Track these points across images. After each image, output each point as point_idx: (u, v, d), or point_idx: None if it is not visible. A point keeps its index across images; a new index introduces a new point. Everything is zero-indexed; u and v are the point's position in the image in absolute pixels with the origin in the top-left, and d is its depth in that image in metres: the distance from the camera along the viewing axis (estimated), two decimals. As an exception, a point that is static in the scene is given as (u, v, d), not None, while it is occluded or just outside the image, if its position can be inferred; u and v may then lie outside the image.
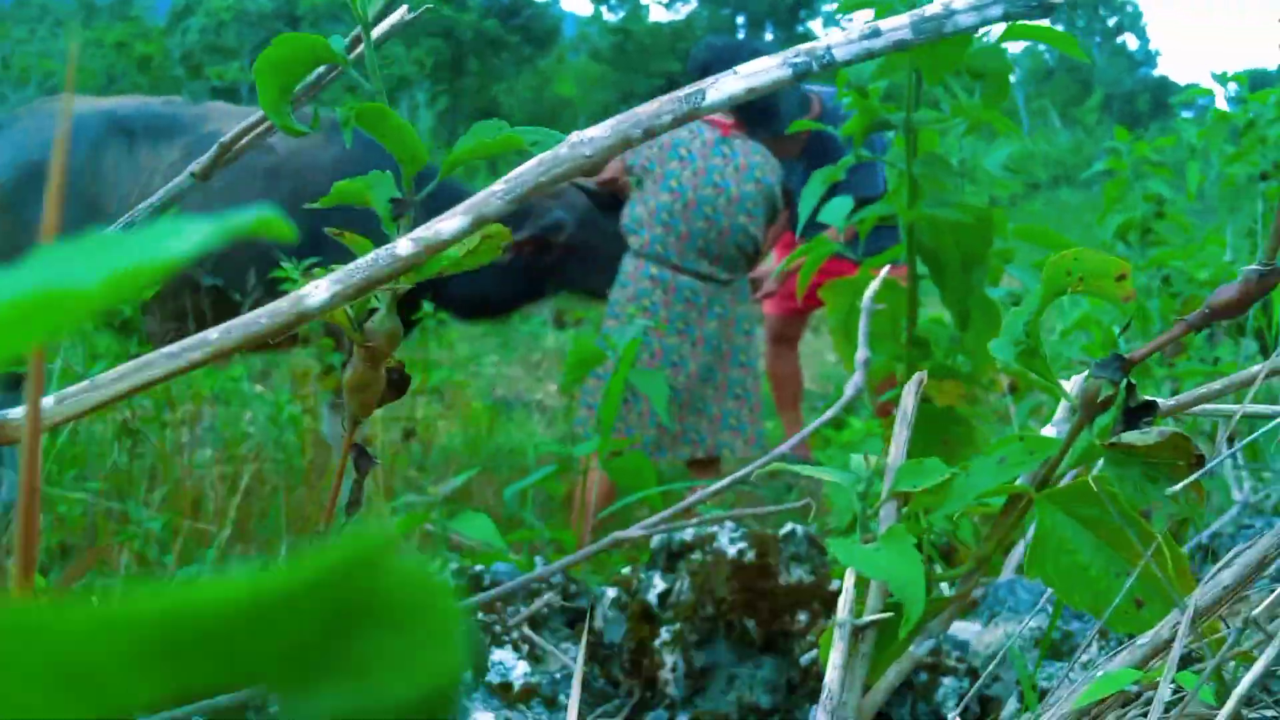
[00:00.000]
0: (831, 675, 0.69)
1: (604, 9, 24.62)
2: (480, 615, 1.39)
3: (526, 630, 1.42)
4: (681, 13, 25.51)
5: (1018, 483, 0.71)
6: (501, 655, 1.34)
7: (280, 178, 4.18)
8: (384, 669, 0.18)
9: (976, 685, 0.85)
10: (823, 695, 0.69)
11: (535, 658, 1.40)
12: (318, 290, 0.53)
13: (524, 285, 4.54)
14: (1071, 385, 0.72)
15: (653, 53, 22.80)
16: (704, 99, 0.54)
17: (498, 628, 1.39)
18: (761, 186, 4.02)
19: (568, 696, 1.32)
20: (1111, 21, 30.62)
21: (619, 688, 1.37)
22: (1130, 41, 30.87)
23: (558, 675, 1.35)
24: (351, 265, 0.53)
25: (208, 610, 0.17)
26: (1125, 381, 0.66)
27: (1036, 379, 0.75)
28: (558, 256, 4.38)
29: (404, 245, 0.53)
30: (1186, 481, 0.61)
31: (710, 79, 0.54)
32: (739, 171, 3.98)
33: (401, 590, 0.18)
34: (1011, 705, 1.10)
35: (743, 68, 0.54)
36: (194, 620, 0.17)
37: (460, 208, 0.53)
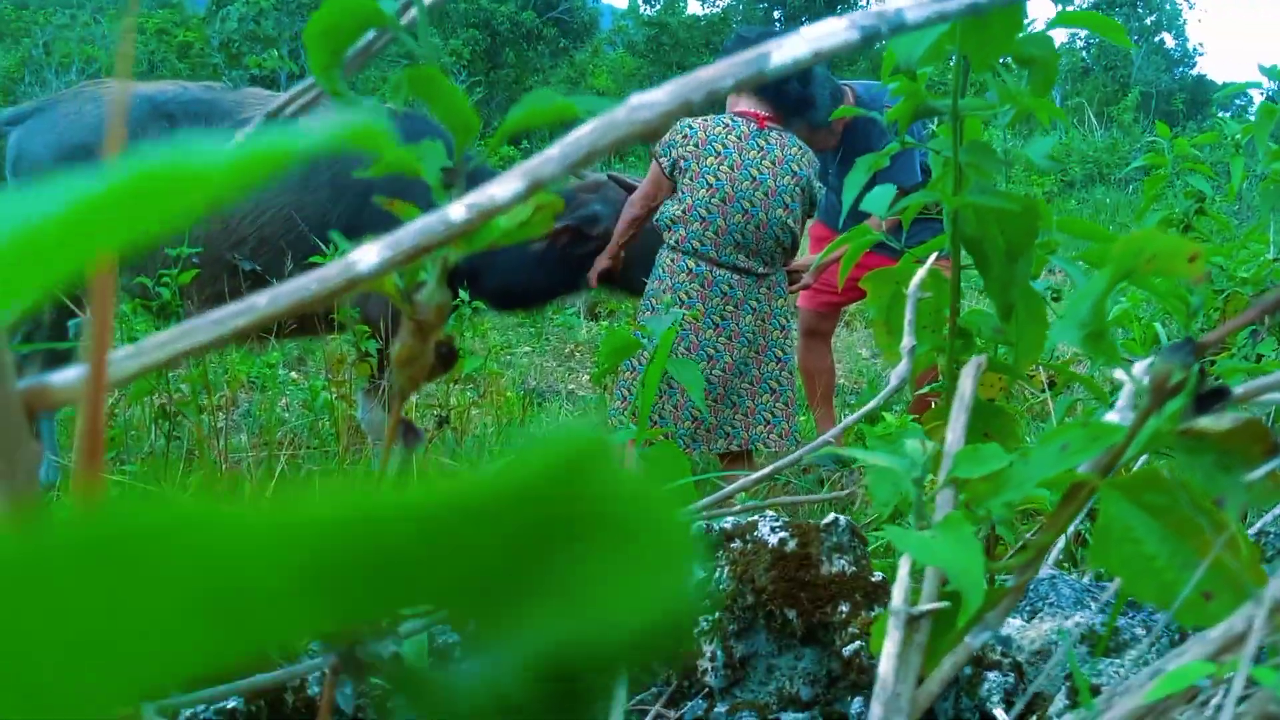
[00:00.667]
0: (885, 666, 0.67)
1: (640, 2, 24.57)
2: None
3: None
4: (718, 6, 25.44)
5: (1079, 471, 0.69)
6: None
7: (320, 164, 4.19)
8: (599, 593, 0.16)
9: (1033, 685, 0.83)
10: (876, 686, 0.67)
11: (571, 646, 1.38)
12: (368, 256, 0.52)
13: (558, 277, 4.54)
14: (1137, 371, 0.70)
15: (689, 46, 22.75)
16: (769, 62, 0.52)
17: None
18: (798, 179, 4.00)
19: (604, 685, 1.31)
20: (1149, 20, 30.36)
21: (655, 676, 1.35)
22: (1168, 40, 30.59)
23: (594, 663, 1.34)
24: (402, 230, 0.52)
25: (387, 523, 0.15)
26: (1196, 367, 0.64)
27: (1087, 377, 0.73)
28: (593, 250, 4.38)
29: (457, 210, 0.51)
30: (1268, 468, 0.59)
31: (774, 41, 0.52)
32: (776, 164, 3.96)
33: (619, 502, 0.15)
34: (1060, 701, 1.08)
35: (808, 30, 0.52)
36: (370, 533, 0.15)
37: (514, 171, 0.51)
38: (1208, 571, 0.63)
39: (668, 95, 0.50)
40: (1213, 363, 2.76)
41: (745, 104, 4.02)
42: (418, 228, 0.51)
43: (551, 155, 0.51)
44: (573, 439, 0.15)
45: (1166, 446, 0.65)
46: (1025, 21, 1.57)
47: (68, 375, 0.52)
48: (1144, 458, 1.43)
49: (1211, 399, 0.64)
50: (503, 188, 0.51)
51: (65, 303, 3.61)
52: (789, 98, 4.04)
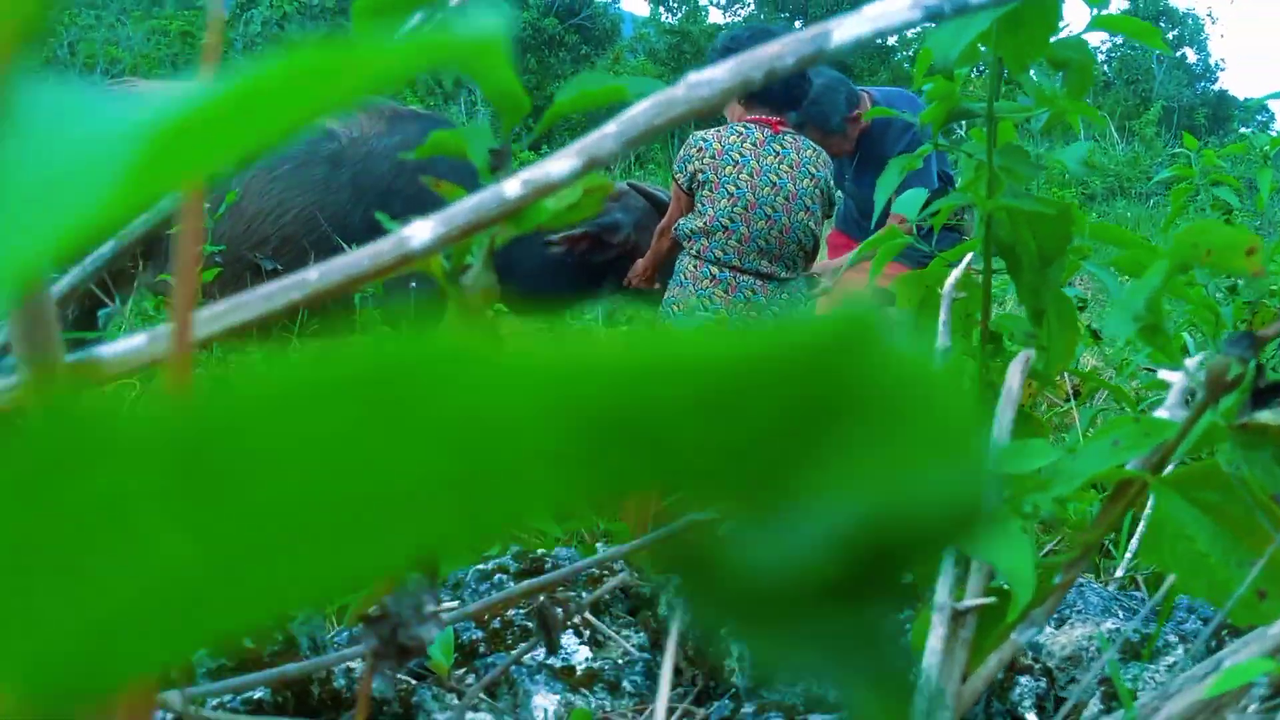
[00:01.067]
0: (930, 661, 0.66)
1: (662, 10, 24.57)
2: (543, 598, 1.37)
3: (588, 615, 1.40)
4: (740, 15, 25.44)
5: (1128, 468, 0.68)
6: (564, 640, 1.32)
7: (342, 164, 4.20)
8: (872, 479, 0.14)
9: (1073, 689, 0.82)
10: (920, 681, 0.66)
11: (597, 643, 1.37)
12: (421, 232, 0.51)
13: (577, 283, 4.54)
14: (1190, 366, 0.69)
15: (710, 55, 22.74)
16: (830, 41, 0.51)
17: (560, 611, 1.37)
18: (817, 181, 4.00)
19: (631, 682, 1.30)
20: (1171, 34, 30.26)
21: (682, 675, 1.34)
22: (1190, 55, 30.48)
23: (620, 660, 1.33)
24: (456, 206, 0.51)
25: (647, 379, 0.13)
26: (1254, 361, 0.63)
27: (1115, 385, 0.72)
28: (613, 258, 4.37)
29: (512, 186, 0.50)
30: (1333, 461, 0.58)
31: (835, 20, 0.51)
32: (794, 168, 3.95)
33: (895, 383, 0.14)
34: (1094, 706, 1.06)
35: (870, 8, 0.51)
36: (647, 389, 0.13)
37: (571, 148, 0.51)
38: (1263, 569, 0.62)
39: (727, 73, 0.49)
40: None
41: (757, 112, 4.01)
42: (472, 204, 0.51)
43: (609, 132, 0.50)
44: (845, 316, 0.14)
45: (1220, 442, 0.64)
46: (1061, 24, 1.56)
47: (118, 348, 0.51)
48: (1171, 466, 1.42)
49: (1270, 393, 0.63)
50: (558, 164, 0.50)
51: (95, 292, 3.62)
52: (792, 96, 4.03)
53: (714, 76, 0.50)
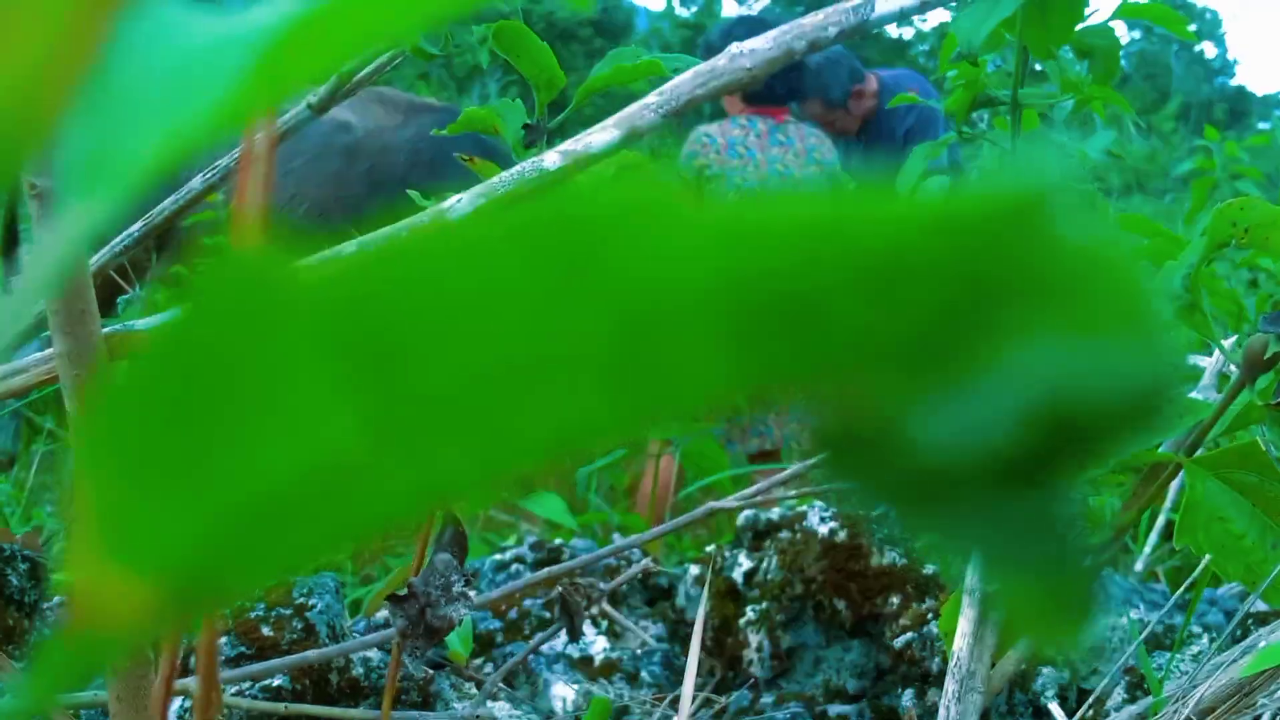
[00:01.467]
0: (960, 643, 0.66)
1: (676, 4, 24.55)
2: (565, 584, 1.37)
3: (606, 606, 1.39)
4: (755, 9, 25.40)
5: (1160, 450, 0.68)
6: (582, 630, 1.32)
7: (357, 156, 4.19)
8: (1048, 356, 0.14)
9: (1097, 678, 0.82)
10: (951, 663, 0.66)
11: (615, 634, 1.37)
12: (460, 203, 0.51)
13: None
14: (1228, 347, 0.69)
15: (700, 49, 22.67)
16: (873, 11, 0.51)
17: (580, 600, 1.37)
18: (824, 167, 3.98)
19: (649, 672, 1.30)
20: (1190, 28, 30.10)
21: (700, 665, 1.34)
22: (1208, 49, 30.38)
23: (638, 651, 1.33)
24: (496, 178, 0.51)
25: (818, 245, 0.13)
26: (1292, 340, 0.62)
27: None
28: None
29: (551, 158, 0.50)
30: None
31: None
32: (799, 156, 3.94)
33: (1071, 258, 0.13)
34: (1118, 696, 1.06)
35: (917, -22, 0.51)
36: (800, 256, 0.13)
37: (612, 120, 0.51)
38: (1300, 552, 0.61)
39: (770, 43, 0.49)
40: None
41: (757, 106, 3.99)
42: (511, 175, 0.50)
43: (649, 103, 0.50)
44: (1012, 188, 0.13)
45: (1256, 422, 0.64)
46: (1086, 12, 1.55)
47: (153, 321, 0.51)
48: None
49: (1308, 373, 0.62)
50: (599, 136, 0.50)
51: (114, 278, 3.62)
52: (797, 91, 4.01)
53: (756, 47, 0.49)
